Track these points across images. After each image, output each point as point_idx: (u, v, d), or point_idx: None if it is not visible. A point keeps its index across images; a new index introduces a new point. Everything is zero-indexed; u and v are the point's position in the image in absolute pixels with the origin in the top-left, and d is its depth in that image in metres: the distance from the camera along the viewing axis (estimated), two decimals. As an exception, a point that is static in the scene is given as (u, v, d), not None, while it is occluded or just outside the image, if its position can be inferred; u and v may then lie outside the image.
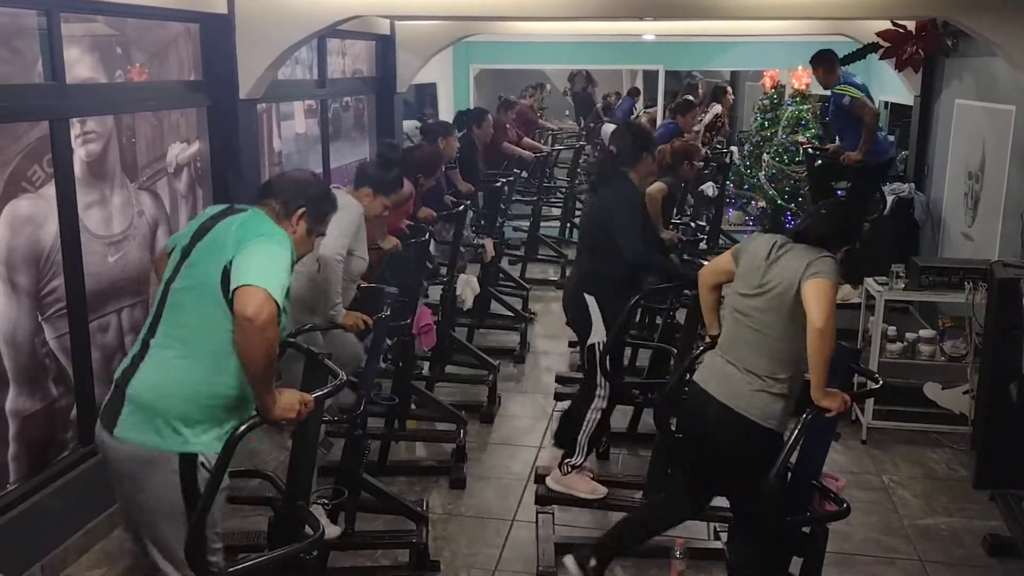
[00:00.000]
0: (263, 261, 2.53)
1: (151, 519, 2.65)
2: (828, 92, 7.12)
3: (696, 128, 8.66)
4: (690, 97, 8.38)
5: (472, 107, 9.00)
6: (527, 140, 9.55)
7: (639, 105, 11.85)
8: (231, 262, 2.54)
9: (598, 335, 4.24)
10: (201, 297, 2.59)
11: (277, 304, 2.49)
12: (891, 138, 7.57)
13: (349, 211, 4.17)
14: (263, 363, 2.48)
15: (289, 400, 2.57)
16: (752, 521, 3.35)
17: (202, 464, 2.60)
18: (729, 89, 10.87)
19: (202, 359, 2.59)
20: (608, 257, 4.21)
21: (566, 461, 4.28)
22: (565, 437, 4.44)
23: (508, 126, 9.27)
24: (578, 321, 4.38)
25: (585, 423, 4.31)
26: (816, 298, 2.97)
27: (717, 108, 10.32)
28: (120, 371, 2.70)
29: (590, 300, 4.26)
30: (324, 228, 2.97)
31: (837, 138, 7.30)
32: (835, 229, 3.22)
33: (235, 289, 2.46)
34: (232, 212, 2.80)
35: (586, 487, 4.25)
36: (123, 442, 2.60)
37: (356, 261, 4.27)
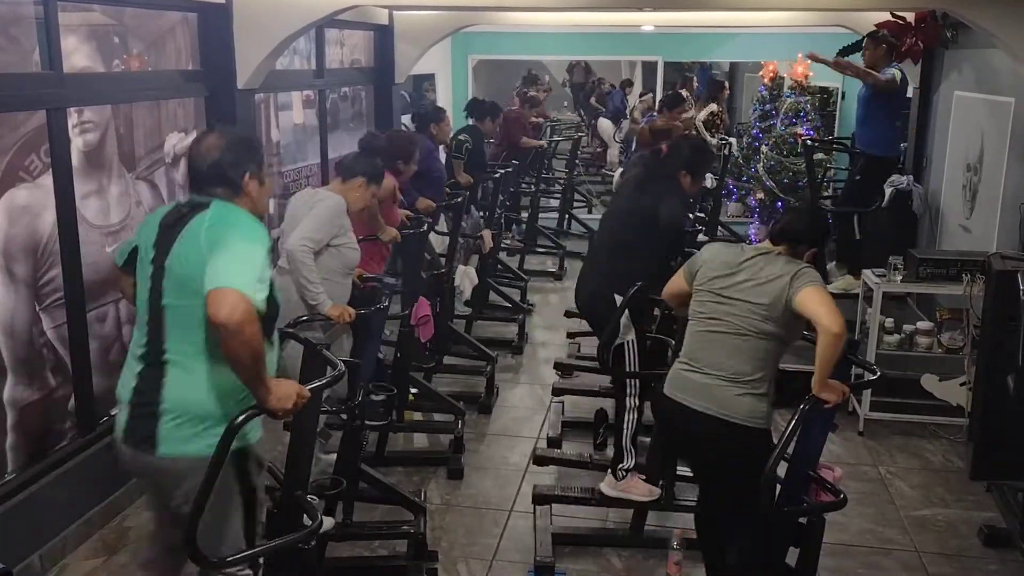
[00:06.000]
0: (231, 259, 2.47)
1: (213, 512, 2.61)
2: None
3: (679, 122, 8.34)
4: (682, 92, 8.18)
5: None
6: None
7: (631, 99, 11.75)
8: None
9: (628, 334, 4.14)
10: (201, 306, 2.48)
11: (253, 300, 2.43)
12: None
13: (325, 203, 4.13)
14: (248, 363, 2.45)
15: (286, 391, 2.54)
16: (754, 519, 3.34)
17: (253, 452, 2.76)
18: (726, 84, 10.76)
19: (223, 360, 2.53)
20: (642, 256, 4.14)
21: (619, 467, 4.20)
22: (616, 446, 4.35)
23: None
24: (602, 321, 4.24)
25: (624, 426, 4.26)
26: (824, 306, 3.02)
27: (713, 107, 10.27)
28: (131, 391, 2.68)
29: (619, 300, 4.12)
30: (263, 170, 2.79)
31: (857, 127, 7.02)
32: (810, 228, 3.30)
33: (206, 294, 2.41)
34: (192, 209, 2.67)
35: (643, 490, 4.16)
36: (175, 457, 2.61)
37: (347, 252, 4.23)
